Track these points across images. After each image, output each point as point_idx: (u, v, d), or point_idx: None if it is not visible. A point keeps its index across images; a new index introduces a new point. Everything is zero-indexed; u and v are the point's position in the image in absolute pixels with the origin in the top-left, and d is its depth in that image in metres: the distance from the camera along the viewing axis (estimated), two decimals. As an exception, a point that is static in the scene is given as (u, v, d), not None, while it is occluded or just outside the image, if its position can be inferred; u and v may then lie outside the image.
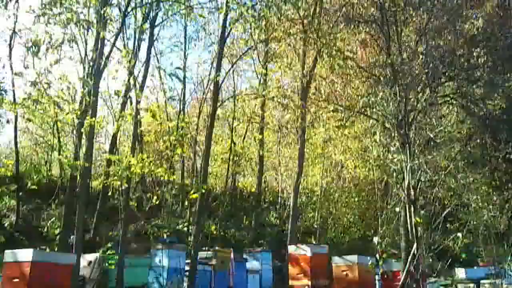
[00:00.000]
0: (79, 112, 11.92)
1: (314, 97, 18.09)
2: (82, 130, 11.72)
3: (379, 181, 22.72)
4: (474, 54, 16.59)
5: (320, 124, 20.17)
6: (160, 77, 18.96)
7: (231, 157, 20.30)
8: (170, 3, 13.34)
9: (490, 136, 21.99)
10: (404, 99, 16.59)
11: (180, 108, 19.48)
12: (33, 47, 12.62)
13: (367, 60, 17.88)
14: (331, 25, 15.64)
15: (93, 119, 11.80)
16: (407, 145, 16.99)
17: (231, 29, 14.98)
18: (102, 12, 11.81)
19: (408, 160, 16.68)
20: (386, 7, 15.26)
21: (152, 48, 15.74)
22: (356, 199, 23.72)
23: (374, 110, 18.65)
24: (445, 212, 21.74)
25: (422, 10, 15.73)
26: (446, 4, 15.51)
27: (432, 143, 19.96)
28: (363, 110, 18.87)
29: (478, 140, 21.41)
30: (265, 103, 19.51)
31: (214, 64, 16.73)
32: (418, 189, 17.76)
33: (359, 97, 18.67)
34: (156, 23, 14.75)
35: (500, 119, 19.46)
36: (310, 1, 14.79)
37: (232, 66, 17.69)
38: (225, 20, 14.57)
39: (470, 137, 21.38)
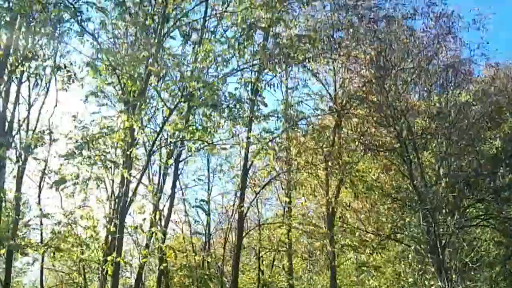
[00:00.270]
0: (104, 250, 11.96)
1: (340, 224, 17.83)
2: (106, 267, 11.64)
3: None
4: (499, 174, 16.47)
5: (350, 251, 19.62)
6: (186, 210, 19.15)
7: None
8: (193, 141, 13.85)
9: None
10: (433, 223, 16.26)
11: (205, 240, 19.36)
12: (59, 182, 13.07)
13: (390, 183, 17.84)
14: (351, 154, 15.92)
15: (118, 257, 11.76)
16: (443, 270, 16.34)
17: (252, 161, 15.42)
18: (128, 153, 12.27)
19: (447, 287, 15.93)
20: (404, 135, 15.56)
21: (177, 182, 16.17)
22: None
23: (404, 235, 18.28)
24: None
25: (440, 136, 15.98)
26: (465, 130, 15.72)
27: (469, 266, 19.08)
28: (392, 235, 18.48)
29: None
30: (291, 230, 19.30)
31: (238, 194, 16.90)
32: None
33: (387, 222, 18.40)
34: (180, 159, 15.35)
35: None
36: (329, 132, 15.27)
37: (256, 197, 17.86)
38: (246, 153, 15.05)
39: (509, 257, 20.42)
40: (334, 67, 14.84)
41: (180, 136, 12.87)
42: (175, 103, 11.45)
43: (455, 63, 15.75)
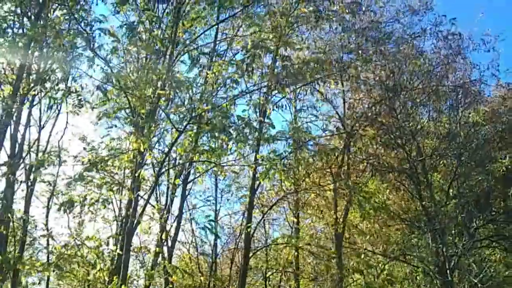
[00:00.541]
0: (109, 270, 11.87)
1: (348, 245, 17.69)
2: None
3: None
4: (509, 194, 16.33)
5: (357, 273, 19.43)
6: (193, 230, 19.06)
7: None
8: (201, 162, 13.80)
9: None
10: (442, 245, 16.12)
11: (212, 260, 19.20)
12: (67, 204, 13.05)
13: (399, 204, 17.74)
14: (359, 175, 15.85)
15: (122, 281, 11.66)
16: (453, 291, 16.15)
17: (260, 182, 15.36)
18: (136, 174, 12.23)
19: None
20: (413, 156, 15.49)
21: (185, 203, 16.13)
22: None
23: (411, 256, 18.11)
24: None
25: (450, 156, 15.91)
26: (475, 150, 15.63)
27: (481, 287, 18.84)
28: (400, 256, 18.32)
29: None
30: (299, 251, 19.15)
31: (245, 215, 16.82)
32: None
33: (395, 243, 18.25)
34: (188, 180, 15.32)
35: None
36: (337, 153, 15.21)
37: (263, 217, 17.75)
38: (254, 173, 15.00)
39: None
40: (343, 89, 14.85)
41: (189, 157, 12.86)
42: (184, 125, 11.46)
43: (465, 84, 15.72)
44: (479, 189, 16.86)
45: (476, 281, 17.61)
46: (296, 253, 19.18)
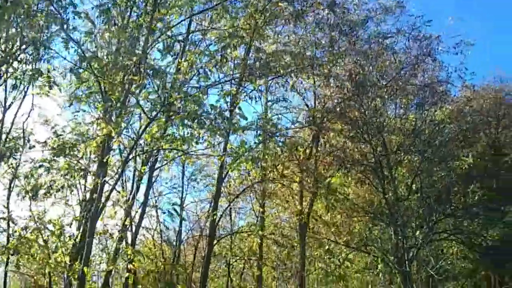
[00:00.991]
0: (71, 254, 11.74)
1: (312, 235, 17.99)
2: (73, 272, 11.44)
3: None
4: (469, 190, 16.92)
5: (319, 262, 19.85)
6: (158, 217, 18.95)
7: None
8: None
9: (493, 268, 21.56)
10: (402, 237, 16.59)
11: (176, 246, 19.17)
12: (32, 192, 12.80)
13: (364, 196, 18.12)
14: (326, 167, 16.08)
15: (84, 264, 11.56)
16: (408, 282, 16.70)
17: (228, 172, 15.39)
18: (104, 160, 12.06)
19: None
20: (379, 151, 15.80)
21: (151, 189, 15.99)
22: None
23: (373, 247, 18.59)
24: None
25: (414, 152, 16.29)
26: (439, 147, 16.07)
27: (434, 278, 19.55)
28: (362, 246, 18.77)
29: (483, 273, 20.92)
30: (263, 239, 19.37)
31: (212, 203, 16.85)
32: None
33: (357, 234, 18.68)
34: (155, 167, 15.17)
35: (502, 251, 19.28)
36: (305, 146, 15.38)
37: (229, 205, 17.85)
38: (222, 163, 15.00)
39: (474, 271, 21.00)
40: (314, 82, 14.95)
41: (157, 145, 12.74)
42: (155, 112, 11.35)
43: (433, 83, 16.09)
44: (441, 185, 17.38)
45: (432, 272, 18.29)
46: (260, 242, 19.42)
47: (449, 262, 19.58)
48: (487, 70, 33.81)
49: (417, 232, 17.09)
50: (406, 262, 16.50)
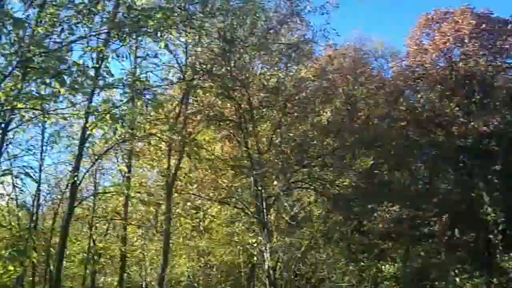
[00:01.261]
0: None
1: (179, 192, 18.15)
2: None
3: (246, 265, 23.06)
4: (325, 143, 18.42)
5: (186, 217, 20.19)
6: (13, 182, 17.42)
7: (90, 256, 19.16)
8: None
9: (342, 213, 23.95)
10: (261, 187, 17.54)
11: (33, 212, 17.94)
12: None
13: (230, 152, 18.67)
14: (194, 125, 16.16)
15: None
16: (265, 229, 17.85)
17: (90, 131, 14.63)
18: None
19: (267, 243, 17.49)
20: (243, 107, 16.30)
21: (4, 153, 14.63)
22: (223, 285, 23.76)
23: (234, 199, 19.35)
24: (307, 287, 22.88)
25: (276, 107, 17.13)
26: (300, 103, 17.07)
27: (294, 224, 21.16)
28: (225, 199, 19.43)
29: (335, 218, 23.14)
30: (130, 199, 19.05)
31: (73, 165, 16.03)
32: (279, 269, 18.62)
33: (223, 189, 19.28)
34: (9, 128, 13.84)
35: (351, 198, 21.50)
36: (175, 103, 15.21)
37: (91, 166, 17.11)
38: (86, 122, 14.23)
39: (327, 216, 23.09)
40: (185, 40, 14.65)
41: (12, 104, 11.63)
42: (10, 68, 10.30)
43: (299, 42, 16.79)
44: (300, 138, 18.59)
45: (287, 218, 19.72)
46: (125, 201, 19.10)
47: (307, 210, 21.23)
48: (350, 31, 36.41)
49: (275, 182, 18.18)
50: (264, 211, 17.51)
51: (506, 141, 25.61)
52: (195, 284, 22.36)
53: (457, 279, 23.17)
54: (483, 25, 26.02)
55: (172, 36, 12.43)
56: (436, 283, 23.44)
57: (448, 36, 26.40)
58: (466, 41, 26.13)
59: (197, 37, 13.40)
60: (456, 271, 23.54)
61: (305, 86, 17.48)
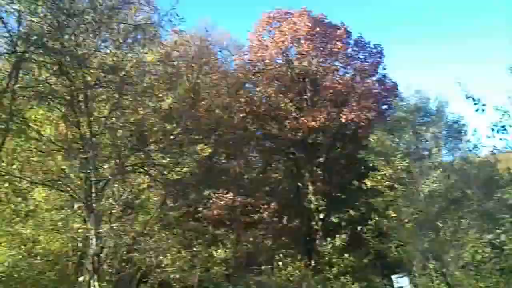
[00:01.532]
0: None
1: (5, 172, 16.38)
2: None
3: (74, 253, 21.83)
4: (168, 128, 18.17)
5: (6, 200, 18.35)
6: None
7: None
8: None
9: (182, 199, 24.08)
10: (91, 171, 16.56)
11: None
12: None
13: (65, 133, 17.32)
14: (23, 102, 14.63)
15: None
16: (92, 214, 16.96)
17: None
18: None
19: (93, 229, 16.68)
20: (77, 86, 15.29)
21: None
22: (48, 273, 22.20)
23: (60, 182, 17.96)
24: (138, 274, 22.53)
25: (112, 88, 16.33)
26: (137, 85, 16.55)
27: (128, 211, 20.56)
28: (49, 182, 17.88)
29: (171, 204, 23.08)
30: None
31: None
32: (102, 256, 17.88)
33: (51, 171, 17.81)
34: None
35: (188, 184, 21.67)
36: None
37: None
38: None
39: (164, 202, 22.95)
40: (19, 7, 12.95)
41: None
42: None
43: (144, 24, 16.11)
44: (138, 121, 18.01)
45: (119, 203, 19.01)
46: None
47: (142, 196, 20.82)
48: (198, 19, 36.22)
49: (105, 165, 17.36)
50: (93, 195, 16.56)
51: (329, 136, 28.36)
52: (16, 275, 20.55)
53: (280, 263, 24.94)
54: (317, 28, 28.19)
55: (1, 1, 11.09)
56: (263, 267, 24.87)
57: (287, 35, 28.11)
58: (302, 41, 28.08)
59: (33, 6, 12.09)
60: (281, 255, 25.31)
61: (149, 70, 16.97)
